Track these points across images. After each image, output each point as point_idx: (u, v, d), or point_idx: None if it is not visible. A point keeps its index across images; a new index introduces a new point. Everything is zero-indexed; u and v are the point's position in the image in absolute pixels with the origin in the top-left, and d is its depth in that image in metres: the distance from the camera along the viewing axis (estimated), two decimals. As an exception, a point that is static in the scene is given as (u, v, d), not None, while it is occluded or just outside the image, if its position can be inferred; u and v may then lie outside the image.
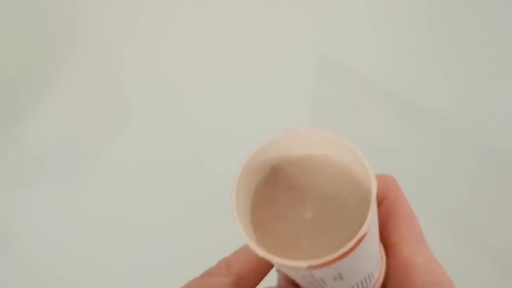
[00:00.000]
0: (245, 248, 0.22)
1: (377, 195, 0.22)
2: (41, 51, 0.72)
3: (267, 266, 0.22)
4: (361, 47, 0.70)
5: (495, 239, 0.56)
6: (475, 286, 0.54)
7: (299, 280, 0.18)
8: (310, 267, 0.15)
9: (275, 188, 0.18)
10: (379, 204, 0.24)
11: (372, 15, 0.71)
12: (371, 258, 0.19)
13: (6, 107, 0.70)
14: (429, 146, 0.62)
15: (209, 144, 0.65)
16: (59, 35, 0.74)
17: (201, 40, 0.72)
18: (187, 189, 0.62)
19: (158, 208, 0.62)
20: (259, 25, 0.72)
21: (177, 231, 0.60)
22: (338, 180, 0.17)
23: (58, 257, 0.61)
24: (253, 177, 0.18)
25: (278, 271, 0.27)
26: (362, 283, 0.20)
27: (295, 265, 0.15)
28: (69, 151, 0.67)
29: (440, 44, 0.69)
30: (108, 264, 0.59)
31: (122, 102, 0.69)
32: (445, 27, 0.69)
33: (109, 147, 0.66)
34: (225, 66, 0.70)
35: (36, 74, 0.71)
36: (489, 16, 0.69)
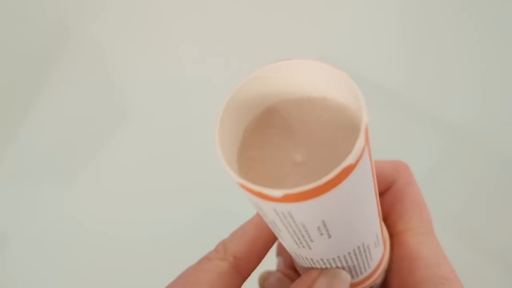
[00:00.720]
0: (242, 228, 0.21)
1: (386, 180, 0.22)
2: (41, 51, 0.73)
3: (265, 246, 0.21)
4: (361, 47, 0.70)
5: (495, 239, 0.56)
6: (475, 286, 0.54)
7: (283, 232, 0.16)
8: (286, 197, 0.13)
9: (268, 129, 0.17)
10: (388, 189, 0.22)
11: (372, 15, 0.71)
12: (363, 221, 0.17)
13: (6, 107, 0.70)
14: (429, 146, 0.62)
15: (209, 144, 0.65)
16: (59, 35, 0.74)
17: (201, 40, 0.72)
18: (188, 189, 0.62)
19: (158, 208, 0.62)
20: (259, 25, 0.72)
21: (178, 230, 0.60)
22: (335, 125, 0.16)
23: (58, 257, 0.61)
24: (243, 115, 0.17)
25: (278, 255, 0.26)
26: (356, 256, 0.18)
27: (269, 194, 0.13)
28: (70, 151, 0.67)
29: (440, 44, 0.69)
30: (110, 263, 0.59)
31: (122, 102, 0.69)
32: (445, 26, 0.69)
33: (109, 146, 0.66)
34: (225, 66, 0.70)
35: (36, 74, 0.71)
36: (492, 17, 0.69)
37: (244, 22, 0.73)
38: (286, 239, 0.17)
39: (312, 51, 0.70)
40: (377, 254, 0.20)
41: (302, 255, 0.18)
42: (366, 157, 0.15)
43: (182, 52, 0.72)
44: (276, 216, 0.15)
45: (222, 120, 0.15)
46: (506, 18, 0.68)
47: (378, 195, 0.18)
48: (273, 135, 0.17)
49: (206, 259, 0.20)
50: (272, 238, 0.21)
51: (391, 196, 0.22)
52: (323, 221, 0.15)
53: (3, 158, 0.67)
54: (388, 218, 0.22)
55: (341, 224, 0.16)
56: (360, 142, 0.14)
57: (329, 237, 0.16)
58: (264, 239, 0.21)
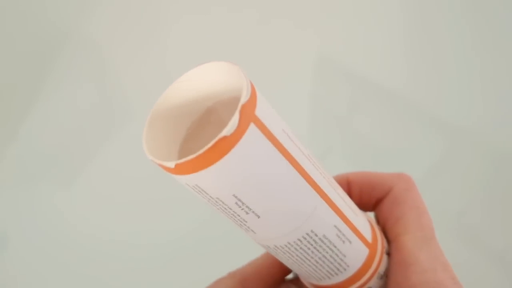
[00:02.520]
0: (254, 261, 0.24)
1: (385, 185, 0.23)
2: (41, 51, 0.73)
3: (272, 270, 0.23)
4: (361, 47, 0.70)
5: (495, 239, 0.56)
6: (475, 286, 0.54)
7: (221, 214, 0.18)
8: (178, 167, 0.15)
9: (207, 126, 0.19)
10: (386, 194, 0.23)
11: (373, 15, 0.71)
12: (289, 203, 0.18)
13: (6, 107, 0.70)
14: (429, 146, 0.62)
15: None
16: (59, 35, 0.74)
17: (201, 40, 0.72)
18: (188, 189, 0.62)
19: (158, 208, 0.62)
20: (259, 25, 0.72)
21: (178, 230, 0.60)
22: None
23: (58, 257, 0.61)
24: (184, 116, 0.19)
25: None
26: (314, 246, 0.19)
27: (165, 165, 0.15)
28: (69, 151, 0.67)
29: (441, 45, 0.69)
30: (109, 263, 0.59)
31: (122, 102, 0.69)
32: (446, 27, 0.69)
33: (109, 147, 0.66)
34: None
35: (36, 75, 0.71)
36: (491, 17, 0.69)
37: (244, 22, 0.73)
38: (232, 223, 0.19)
39: (312, 51, 0.70)
40: (352, 253, 0.20)
41: (258, 242, 0.19)
42: (259, 136, 0.17)
43: (182, 52, 0.72)
44: (194, 192, 0.17)
45: (151, 123, 0.18)
46: (507, 19, 0.69)
47: (327, 188, 0.19)
48: (209, 130, 0.19)
49: (217, 280, 0.23)
50: (279, 266, 0.23)
51: (389, 200, 0.22)
52: (234, 196, 0.17)
53: (3, 159, 0.67)
54: (386, 222, 0.22)
55: (257, 202, 0.17)
56: (234, 119, 0.15)
57: (258, 216, 0.18)
58: (271, 263, 0.23)
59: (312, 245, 0.19)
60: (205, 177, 0.16)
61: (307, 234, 0.19)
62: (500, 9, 0.69)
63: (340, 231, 0.19)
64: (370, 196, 0.23)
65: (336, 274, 0.20)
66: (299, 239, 0.19)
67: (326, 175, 0.20)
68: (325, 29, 0.71)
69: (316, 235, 0.19)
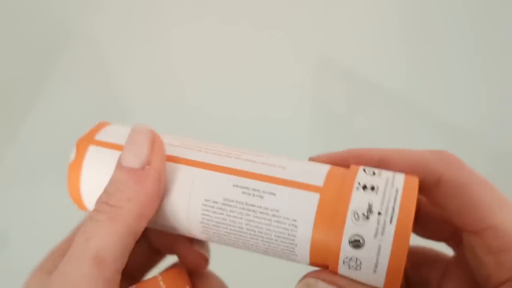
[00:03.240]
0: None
1: (431, 169, 0.19)
2: (40, 51, 0.73)
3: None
4: (361, 47, 0.70)
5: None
6: None
7: None
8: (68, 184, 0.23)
9: None
10: (438, 183, 0.19)
11: (373, 15, 0.71)
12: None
13: (6, 107, 0.70)
14: (430, 146, 0.62)
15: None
16: (58, 35, 0.74)
17: (201, 40, 0.72)
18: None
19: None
20: (258, 25, 0.72)
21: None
22: None
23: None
24: None
25: None
26: (210, 216, 0.19)
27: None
28: (70, 151, 0.67)
29: (442, 44, 0.68)
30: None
31: (123, 102, 0.69)
32: (447, 27, 0.69)
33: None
34: (224, 66, 0.70)
35: (36, 74, 0.71)
36: (490, 17, 0.69)
37: (245, 22, 0.73)
38: None
39: (312, 51, 0.70)
40: (287, 204, 0.18)
41: (186, 234, 0.22)
42: (101, 150, 0.23)
43: (183, 52, 0.72)
44: None
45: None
46: (508, 19, 0.68)
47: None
48: None
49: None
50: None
51: (447, 189, 0.19)
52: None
53: (4, 158, 0.67)
54: (456, 215, 0.19)
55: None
56: (74, 150, 0.23)
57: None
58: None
59: (223, 213, 0.19)
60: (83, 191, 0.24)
61: (205, 205, 0.19)
62: (502, 9, 0.69)
63: (246, 187, 0.19)
64: None
65: (291, 236, 0.18)
66: (204, 214, 0.19)
67: (217, 149, 0.21)
68: (325, 29, 0.71)
69: (215, 202, 0.19)
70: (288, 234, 0.18)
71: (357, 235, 0.17)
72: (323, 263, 0.18)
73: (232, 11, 0.73)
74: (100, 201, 0.20)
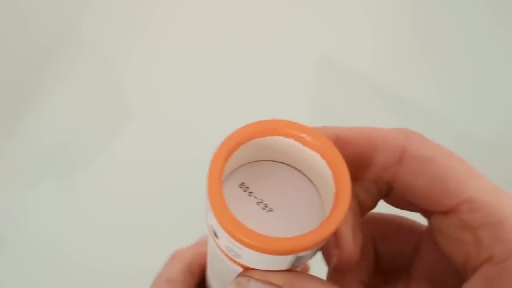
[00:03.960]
0: (196, 245, 0.26)
1: (392, 144, 0.18)
2: (41, 51, 0.72)
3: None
4: (362, 47, 0.70)
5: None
6: None
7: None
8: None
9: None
10: (400, 160, 0.17)
11: (373, 15, 0.71)
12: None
13: (6, 107, 0.70)
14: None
15: (209, 143, 0.65)
16: (59, 34, 0.74)
17: (201, 39, 0.72)
18: (188, 187, 0.62)
19: (159, 208, 0.62)
20: (259, 24, 0.72)
21: (179, 228, 0.60)
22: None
23: (58, 257, 0.61)
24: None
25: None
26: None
27: None
28: (69, 151, 0.67)
29: (441, 45, 0.68)
30: (110, 263, 0.59)
31: (122, 100, 0.69)
32: (446, 27, 0.69)
33: (110, 146, 0.66)
34: (224, 66, 0.70)
35: (36, 74, 0.71)
36: (489, 16, 0.69)
37: (245, 22, 0.73)
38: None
39: (312, 51, 0.70)
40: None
41: None
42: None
43: (183, 52, 0.72)
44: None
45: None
46: (509, 19, 0.68)
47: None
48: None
49: (166, 265, 0.27)
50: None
51: (411, 162, 0.17)
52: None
53: (4, 158, 0.67)
54: (425, 190, 0.17)
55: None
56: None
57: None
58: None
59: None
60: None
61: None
62: (504, 9, 0.69)
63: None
64: (371, 159, 0.18)
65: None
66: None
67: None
68: (325, 29, 0.71)
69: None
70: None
71: (210, 225, 0.18)
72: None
73: (232, 10, 0.73)
74: None
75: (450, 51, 0.68)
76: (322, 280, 0.17)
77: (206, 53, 0.71)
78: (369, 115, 0.65)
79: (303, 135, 0.18)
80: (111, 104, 0.69)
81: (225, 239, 0.16)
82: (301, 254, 0.16)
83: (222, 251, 0.18)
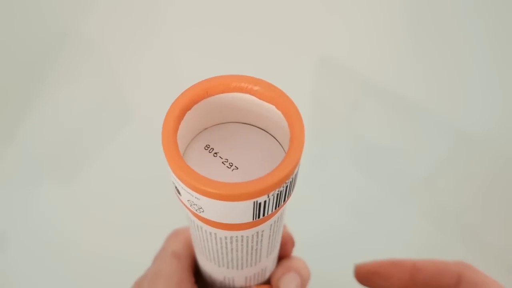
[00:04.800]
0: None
1: (453, 271, 0.24)
2: (41, 50, 0.73)
3: None
4: (362, 47, 0.70)
5: (495, 239, 0.56)
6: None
7: None
8: None
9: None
10: (457, 281, 0.24)
11: (373, 14, 0.71)
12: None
13: (5, 107, 0.70)
14: (429, 146, 0.62)
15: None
16: (59, 34, 0.74)
17: (201, 39, 0.72)
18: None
19: (160, 208, 0.62)
20: (259, 24, 0.72)
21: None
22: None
23: (58, 258, 0.61)
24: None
25: None
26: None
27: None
28: (69, 151, 0.67)
29: (442, 44, 0.69)
30: (110, 263, 0.59)
31: (123, 100, 0.69)
32: (449, 26, 0.69)
33: (110, 147, 0.66)
34: (224, 66, 0.70)
35: (35, 74, 0.71)
36: (488, 15, 0.69)
37: (245, 22, 0.73)
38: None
39: (313, 51, 0.70)
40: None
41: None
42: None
43: (182, 51, 0.72)
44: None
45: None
46: (502, 15, 0.69)
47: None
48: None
49: (167, 240, 0.29)
50: None
51: (465, 285, 0.24)
52: None
53: (4, 158, 0.67)
54: None
55: None
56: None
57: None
58: None
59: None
60: None
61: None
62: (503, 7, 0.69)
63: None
64: (439, 284, 0.24)
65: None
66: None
67: None
68: (325, 29, 0.71)
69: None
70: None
71: None
72: None
73: (232, 11, 0.73)
74: None
75: (451, 51, 0.68)
76: None
77: (206, 52, 0.71)
78: (369, 115, 0.65)
79: (256, 87, 0.19)
80: (111, 105, 0.69)
81: (185, 192, 0.17)
82: (259, 199, 0.16)
83: (187, 208, 0.18)
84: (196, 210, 0.17)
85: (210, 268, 0.23)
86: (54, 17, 0.75)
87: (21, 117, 0.69)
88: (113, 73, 0.71)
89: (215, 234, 0.18)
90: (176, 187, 0.18)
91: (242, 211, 0.16)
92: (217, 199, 0.16)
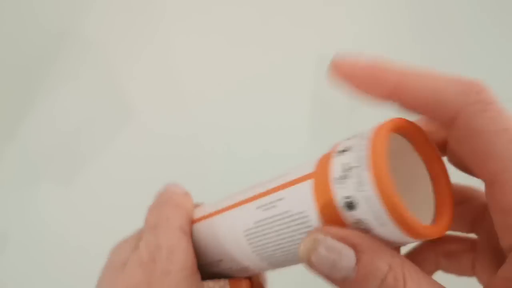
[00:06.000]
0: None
1: (448, 106, 0.17)
2: (41, 50, 0.72)
3: None
4: (362, 46, 0.70)
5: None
6: (475, 286, 0.54)
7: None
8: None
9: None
10: (452, 122, 0.17)
11: (373, 14, 0.71)
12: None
13: (5, 107, 0.70)
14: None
15: (209, 142, 0.65)
16: (59, 34, 0.74)
17: (201, 39, 0.72)
18: (189, 186, 0.62)
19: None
20: (259, 24, 0.72)
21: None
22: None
23: (58, 257, 0.61)
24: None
25: None
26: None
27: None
28: (70, 151, 0.67)
29: (442, 44, 0.68)
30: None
31: (121, 100, 0.69)
32: (447, 26, 0.69)
33: (110, 147, 0.66)
34: (224, 66, 0.70)
35: (34, 74, 0.71)
36: (488, 15, 0.69)
37: (244, 21, 0.73)
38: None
39: (313, 51, 0.70)
40: (293, 201, 0.20)
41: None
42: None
43: (182, 51, 0.72)
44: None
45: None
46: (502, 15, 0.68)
47: None
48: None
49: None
50: None
51: (461, 130, 0.17)
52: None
53: (4, 158, 0.66)
54: (468, 159, 0.17)
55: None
56: None
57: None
58: None
59: (259, 235, 0.21)
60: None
61: (247, 235, 0.22)
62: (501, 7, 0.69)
63: (263, 205, 0.20)
64: (426, 110, 0.18)
65: (308, 226, 0.19)
66: (250, 243, 0.22)
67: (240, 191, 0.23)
68: (325, 29, 0.71)
69: (250, 228, 0.21)
70: (305, 227, 0.18)
71: (346, 197, 0.17)
72: None
73: (232, 11, 0.73)
74: None
75: (451, 51, 0.68)
76: (393, 251, 0.17)
77: (206, 52, 0.71)
78: (369, 115, 0.65)
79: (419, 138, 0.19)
80: (111, 105, 0.69)
81: (373, 216, 0.16)
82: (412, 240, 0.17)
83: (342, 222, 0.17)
84: (359, 227, 0.17)
85: (242, 256, 0.22)
86: (54, 17, 0.75)
87: (19, 118, 0.68)
88: (112, 74, 0.71)
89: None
90: (351, 202, 0.17)
91: (402, 241, 0.18)
92: (405, 233, 0.16)
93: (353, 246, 0.16)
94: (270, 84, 0.68)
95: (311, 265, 0.17)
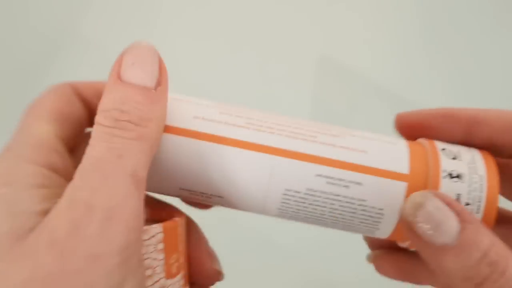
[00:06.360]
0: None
1: None
2: (40, 50, 0.72)
3: None
4: (362, 47, 0.70)
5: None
6: None
7: None
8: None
9: None
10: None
11: (373, 14, 0.71)
12: (224, 168, 0.19)
13: (5, 107, 0.70)
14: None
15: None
16: (59, 34, 0.74)
17: (201, 39, 0.72)
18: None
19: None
20: (259, 24, 0.72)
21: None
22: None
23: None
24: None
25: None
26: (291, 203, 0.19)
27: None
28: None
29: (442, 43, 0.68)
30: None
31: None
32: (446, 26, 0.69)
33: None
34: (224, 66, 0.70)
35: (34, 74, 0.71)
36: (488, 15, 0.69)
37: (245, 22, 0.73)
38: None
39: (313, 51, 0.70)
40: (374, 194, 0.19)
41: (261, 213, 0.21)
42: (171, 138, 0.19)
43: (181, 51, 0.72)
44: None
45: None
46: (503, 15, 0.68)
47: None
48: None
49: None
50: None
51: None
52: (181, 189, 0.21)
53: (3, 158, 0.66)
54: None
55: (207, 187, 0.21)
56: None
57: (221, 197, 0.20)
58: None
59: (305, 202, 0.18)
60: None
61: (286, 194, 0.18)
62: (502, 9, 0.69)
63: (331, 177, 0.18)
64: (503, 141, 0.20)
65: (376, 222, 0.18)
66: (284, 203, 0.18)
67: (294, 127, 0.19)
68: (325, 29, 0.71)
69: (298, 192, 0.18)
70: (373, 221, 0.18)
71: None
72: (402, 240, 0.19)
73: (232, 10, 0.73)
74: (120, 119, 0.17)
75: (451, 50, 0.68)
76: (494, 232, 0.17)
77: (205, 52, 0.71)
78: (369, 115, 0.65)
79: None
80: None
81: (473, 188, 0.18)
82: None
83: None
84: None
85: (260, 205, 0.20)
86: (53, 17, 0.75)
87: (19, 118, 0.68)
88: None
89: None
90: (460, 174, 0.18)
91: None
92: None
93: (460, 214, 0.16)
94: (270, 84, 0.68)
95: (413, 223, 0.16)
